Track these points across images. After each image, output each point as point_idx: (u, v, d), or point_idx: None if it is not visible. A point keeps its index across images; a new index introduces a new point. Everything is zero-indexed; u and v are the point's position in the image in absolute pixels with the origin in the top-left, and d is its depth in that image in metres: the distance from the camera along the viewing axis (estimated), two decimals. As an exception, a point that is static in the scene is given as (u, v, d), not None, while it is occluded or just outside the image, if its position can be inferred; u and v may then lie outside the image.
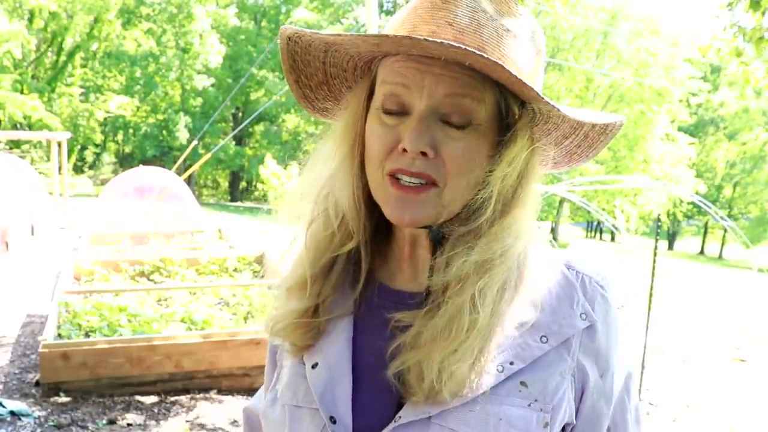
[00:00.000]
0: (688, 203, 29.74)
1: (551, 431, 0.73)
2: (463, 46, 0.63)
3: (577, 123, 0.76)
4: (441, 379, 0.68)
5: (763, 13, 5.12)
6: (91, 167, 34.91)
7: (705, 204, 12.60)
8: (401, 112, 0.72)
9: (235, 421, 4.04)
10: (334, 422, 0.73)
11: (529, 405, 0.71)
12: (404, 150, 0.70)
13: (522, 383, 0.71)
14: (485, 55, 0.63)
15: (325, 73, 0.81)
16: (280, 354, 0.86)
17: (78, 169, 31.65)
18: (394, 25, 0.75)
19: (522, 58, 0.72)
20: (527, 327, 0.73)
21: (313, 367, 0.77)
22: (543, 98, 0.69)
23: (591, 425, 0.77)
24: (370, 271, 0.81)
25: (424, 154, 0.69)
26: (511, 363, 0.71)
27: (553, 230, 28.60)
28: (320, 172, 0.83)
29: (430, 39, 0.63)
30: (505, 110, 0.73)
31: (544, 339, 0.73)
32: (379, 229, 0.82)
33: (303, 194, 0.84)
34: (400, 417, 0.71)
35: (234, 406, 4.25)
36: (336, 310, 0.80)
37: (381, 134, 0.73)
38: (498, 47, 0.70)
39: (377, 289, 0.81)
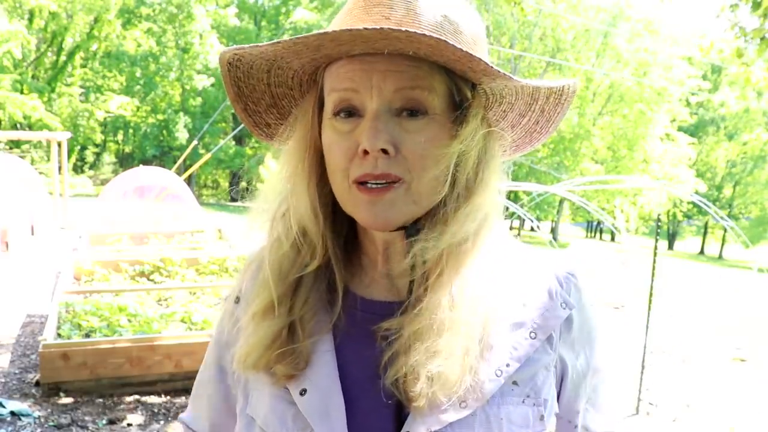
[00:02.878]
0: (688, 203, 29.75)
1: (547, 423, 0.75)
2: (403, 28, 0.62)
3: (531, 97, 0.76)
4: (432, 381, 0.67)
5: (765, 15, 5.11)
6: (91, 167, 34.92)
7: (705, 204, 12.61)
8: (355, 115, 0.71)
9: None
10: None
11: (523, 401, 0.73)
12: (365, 152, 0.68)
13: (514, 382, 0.72)
14: (427, 33, 0.62)
15: (272, 95, 0.79)
16: (245, 378, 0.81)
17: (78, 169, 31.66)
18: (331, 27, 0.72)
19: (464, 42, 0.71)
20: (517, 325, 0.73)
21: (302, 393, 0.73)
22: (492, 67, 0.67)
23: (569, 409, 0.81)
24: (345, 285, 0.78)
25: (385, 152, 0.68)
26: (507, 365, 0.71)
27: (553, 230, 28.62)
28: (275, 191, 0.81)
29: (369, 27, 0.62)
30: (458, 96, 0.72)
31: (533, 335, 0.73)
32: (348, 242, 0.80)
33: (262, 215, 0.82)
34: None
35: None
36: (316, 330, 0.76)
37: (338, 142, 0.71)
38: (438, 33, 0.69)
39: (356, 301, 0.78)
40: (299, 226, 0.77)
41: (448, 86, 0.71)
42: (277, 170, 0.81)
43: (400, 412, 0.70)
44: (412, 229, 0.73)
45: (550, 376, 0.75)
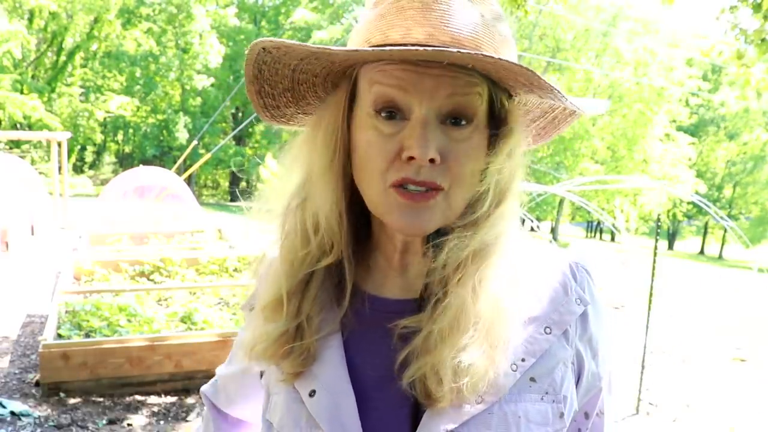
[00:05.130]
0: (688, 203, 29.76)
1: (567, 420, 0.73)
2: (465, 51, 0.61)
3: (550, 107, 0.77)
4: (458, 378, 0.66)
5: (766, 16, 5.10)
6: (91, 167, 34.91)
7: (705, 204, 12.61)
8: (396, 117, 0.69)
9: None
10: None
11: (542, 398, 0.71)
12: (410, 158, 0.66)
13: (531, 379, 0.71)
14: (488, 54, 0.62)
15: (292, 80, 0.76)
16: (267, 378, 0.81)
17: (78, 169, 31.66)
18: (378, 25, 0.69)
19: (509, 49, 0.72)
20: (531, 320, 0.73)
21: (311, 395, 0.72)
22: (554, 88, 0.67)
23: (587, 406, 0.80)
24: (354, 283, 0.77)
25: (431, 160, 0.66)
26: (523, 360, 0.71)
27: (553, 230, 28.62)
28: (288, 182, 0.79)
29: (429, 49, 0.61)
30: (498, 103, 0.72)
31: (548, 330, 0.73)
32: (359, 239, 0.79)
33: (272, 206, 0.81)
34: None
35: (234, 406, 4.25)
36: (324, 328, 0.75)
37: (380, 143, 0.68)
38: (491, 43, 0.69)
39: (367, 300, 0.77)
40: (317, 221, 0.75)
41: (491, 92, 0.71)
42: (291, 162, 0.79)
43: (416, 411, 0.69)
44: (436, 237, 0.72)
45: (568, 372, 0.74)
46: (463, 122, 0.69)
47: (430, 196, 0.68)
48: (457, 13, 0.67)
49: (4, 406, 4.01)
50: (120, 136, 34.54)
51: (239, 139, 31.62)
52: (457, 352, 0.67)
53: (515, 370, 0.70)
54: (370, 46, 0.69)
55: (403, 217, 0.68)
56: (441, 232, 0.72)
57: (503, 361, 0.69)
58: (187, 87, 29.19)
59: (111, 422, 3.96)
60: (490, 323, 0.68)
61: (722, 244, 33.92)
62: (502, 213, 0.73)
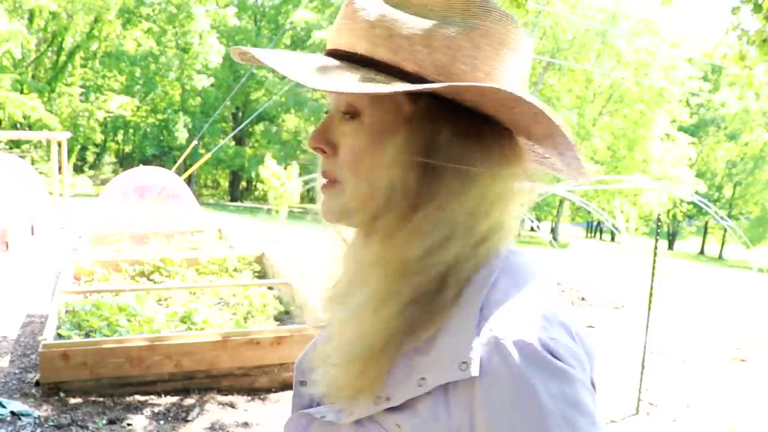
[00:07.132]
0: (689, 203, 29.76)
1: None
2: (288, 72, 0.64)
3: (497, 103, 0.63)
4: (325, 380, 0.69)
5: (766, 17, 5.09)
6: (91, 167, 34.92)
7: (705, 204, 12.60)
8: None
9: (236, 421, 4.04)
10: None
11: None
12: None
13: (397, 425, 0.63)
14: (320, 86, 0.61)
15: None
16: None
17: (78, 169, 31.65)
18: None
19: (400, 44, 0.64)
20: (415, 361, 0.63)
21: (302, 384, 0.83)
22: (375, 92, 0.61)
23: None
24: None
25: (320, 150, 0.71)
26: (388, 398, 0.63)
27: (553, 230, 28.62)
28: None
29: (255, 54, 0.68)
30: (408, 105, 0.66)
31: (422, 381, 0.61)
32: None
33: None
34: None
35: (234, 405, 4.25)
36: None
37: None
38: (369, 38, 0.65)
39: None
40: None
41: (391, 95, 0.66)
42: None
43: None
44: None
45: None
46: (349, 116, 0.70)
47: (329, 186, 0.72)
48: (367, 14, 0.66)
49: (4, 406, 4.00)
50: (120, 136, 34.56)
51: (239, 139, 31.62)
52: (327, 356, 0.70)
53: (377, 404, 0.64)
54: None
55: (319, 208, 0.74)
56: None
57: (367, 387, 0.64)
58: (187, 87, 29.20)
59: (111, 422, 3.96)
60: (364, 343, 0.64)
61: (722, 245, 33.94)
62: (417, 230, 0.64)
